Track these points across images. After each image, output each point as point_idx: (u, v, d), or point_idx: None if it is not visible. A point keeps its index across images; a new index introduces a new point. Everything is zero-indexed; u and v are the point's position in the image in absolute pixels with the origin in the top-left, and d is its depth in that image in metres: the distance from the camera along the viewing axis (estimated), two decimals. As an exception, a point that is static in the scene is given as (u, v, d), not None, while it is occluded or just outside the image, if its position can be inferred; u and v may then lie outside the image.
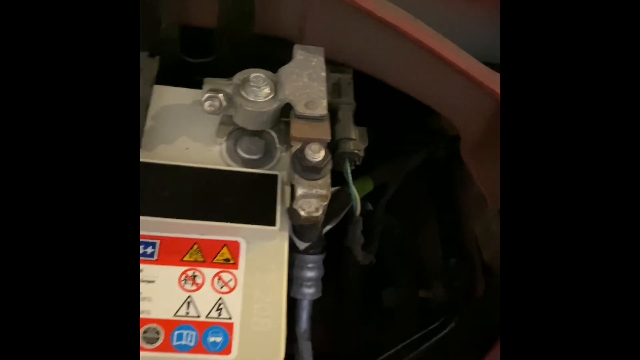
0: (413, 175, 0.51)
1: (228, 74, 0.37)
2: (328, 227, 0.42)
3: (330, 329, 0.55)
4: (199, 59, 0.42)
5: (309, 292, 0.39)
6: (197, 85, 0.39)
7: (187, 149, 0.36)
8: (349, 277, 0.55)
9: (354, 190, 0.36)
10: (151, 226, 0.32)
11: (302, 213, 0.34)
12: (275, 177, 0.35)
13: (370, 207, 0.51)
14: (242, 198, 0.34)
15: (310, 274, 0.41)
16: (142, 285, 0.31)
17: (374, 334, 0.57)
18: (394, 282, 0.56)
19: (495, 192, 0.41)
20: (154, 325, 0.30)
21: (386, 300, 0.56)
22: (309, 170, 0.34)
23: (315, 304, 0.43)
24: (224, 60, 0.42)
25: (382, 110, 0.46)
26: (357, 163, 0.38)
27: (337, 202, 0.40)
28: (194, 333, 0.30)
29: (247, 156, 0.37)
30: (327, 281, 0.45)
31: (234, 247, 0.33)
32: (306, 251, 0.39)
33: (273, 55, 0.40)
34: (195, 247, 0.33)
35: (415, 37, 0.37)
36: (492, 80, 0.36)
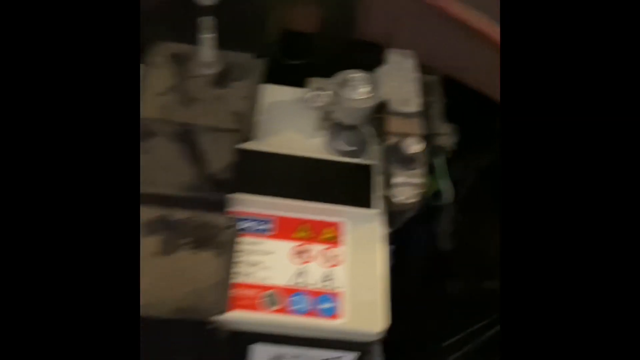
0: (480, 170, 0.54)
1: (318, 74, 0.41)
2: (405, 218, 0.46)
3: (393, 315, 0.58)
4: (296, 61, 0.47)
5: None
6: (292, 83, 0.43)
7: (292, 140, 0.41)
8: (412, 266, 0.59)
9: (448, 180, 0.40)
10: (267, 205, 0.37)
11: (398, 199, 0.38)
12: (370, 166, 0.40)
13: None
14: (342, 184, 0.38)
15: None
16: (263, 256, 0.36)
17: (436, 322, 0.60)
18: (459, 272, 0.59)
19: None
20: (273, 291, 0.35)
21: (451, 290, 0.59)
22: (406, 161, 0.38)
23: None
24: (317, 62, 0.47)
25: (458, 109, 0.50)
26: (447, 157, 0.41)
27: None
28: (307, 299, 0.35)
29: (344, 148, 0.41)
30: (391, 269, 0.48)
31: (337, 226, 0.38)
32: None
33: (359, 57, 0.45)
34: (304, 225, 0.37)
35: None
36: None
